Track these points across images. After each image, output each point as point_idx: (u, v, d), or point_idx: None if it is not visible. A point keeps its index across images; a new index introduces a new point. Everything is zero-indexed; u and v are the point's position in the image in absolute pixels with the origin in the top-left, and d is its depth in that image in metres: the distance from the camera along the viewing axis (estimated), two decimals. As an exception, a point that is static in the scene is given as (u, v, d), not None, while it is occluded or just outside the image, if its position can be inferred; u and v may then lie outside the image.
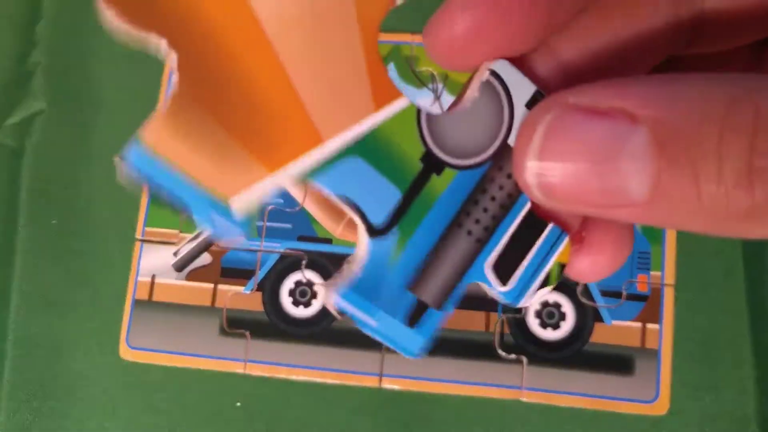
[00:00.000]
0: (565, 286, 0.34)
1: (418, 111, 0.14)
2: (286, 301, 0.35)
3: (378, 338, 0.15)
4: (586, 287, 0.34)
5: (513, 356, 0.33)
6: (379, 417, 0.34)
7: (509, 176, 0.15)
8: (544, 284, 0.15)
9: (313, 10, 0.13)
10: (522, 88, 0.14)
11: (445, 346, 0.33)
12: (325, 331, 0.34)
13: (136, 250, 0.36)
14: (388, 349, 0.34)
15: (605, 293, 0.34)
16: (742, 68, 0.14)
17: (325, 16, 0.13)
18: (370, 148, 0.14)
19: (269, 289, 0.35)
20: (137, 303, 0.36)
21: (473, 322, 0.34)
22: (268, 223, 0.36)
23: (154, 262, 0.36)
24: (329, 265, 0.35)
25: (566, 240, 0.15)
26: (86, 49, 0.40)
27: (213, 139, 0.13)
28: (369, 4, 0.13)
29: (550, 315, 0.34)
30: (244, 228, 0.13)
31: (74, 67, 0.40)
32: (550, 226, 0.15)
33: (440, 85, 0.36)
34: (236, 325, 0.35)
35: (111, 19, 0.13)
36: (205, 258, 0.36)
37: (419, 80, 0.37)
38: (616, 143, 0.10)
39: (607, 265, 0.14)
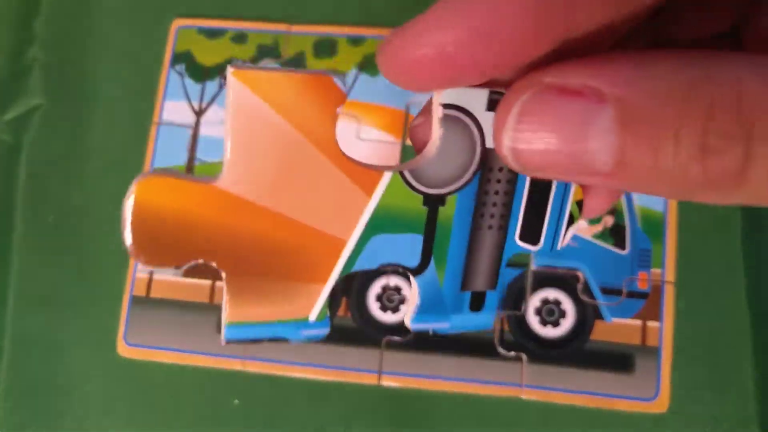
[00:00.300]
0: (565, 283, 0.34)
1: (401, 173, 0.17)
2: (284, 297, 0.35)
3: (459, 331, 0.19)
4: (586, 285, 0.34)
5: (513, 354, 0.33)
6: (378, 415, 0.34)
7: (501, 169, 0.17)
8: (570, 223, 0.18)
9: (280, 165, 0.16)
10: (476, 99, 0.16)
11: (444, 344, 0.33)
12: (324, 328, 0.34)
13: (133, 247, 0.36)
14: (387, 347, 0.34)
15: (605, 291, 0.34)
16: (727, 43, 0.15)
17: (287, 163, 0.16)
18: (381, 224, 0.17)
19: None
20: (135, 300, 0.35)
21: (473, 319, 0.34)
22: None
23: (152, 259, 0.36)
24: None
25: (573, 184, 0.17)
26: (84, 45, 0.40)
27: (274, 291, 0.16)
28: (314, 131, 0.16)
29: (550, 312, 0.34)
30: (326, 325, 0.17)
31: (72, 63, 0.40)
32: (554, 182, 0.17)
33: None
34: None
35: (146, 266, 0.16)
36: (203, 254, 0.36)
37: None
38: (585, 120, 0.12)
39: (607, 200, 0.17)
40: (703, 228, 0.34)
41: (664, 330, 0.33)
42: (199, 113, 0.38)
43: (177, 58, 0.38)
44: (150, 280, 0.36)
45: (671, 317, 0.33)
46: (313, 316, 0.17)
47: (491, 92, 0.16)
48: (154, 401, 0.35)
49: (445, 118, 0.16)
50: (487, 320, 0.19)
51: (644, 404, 0.32)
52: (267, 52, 0.38)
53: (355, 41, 0.37)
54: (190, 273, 0.36)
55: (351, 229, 0.17)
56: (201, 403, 0.35)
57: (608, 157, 0.11)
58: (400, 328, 0.34)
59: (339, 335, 0.34)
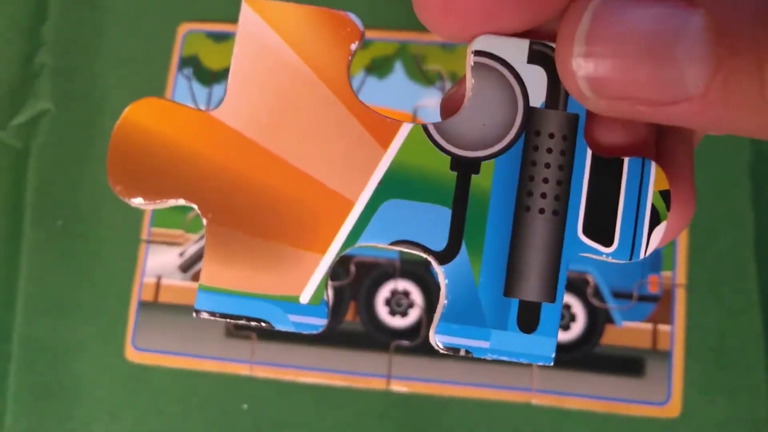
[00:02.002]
0: (575, 287, 0.34)
1: (424, 127, 0.14)
2: (292, 302, 0.35)
3: (504, 358, 0.14)
4: (596, 288, 0.34)
5: (522, 358, 0.33)
6: (386, 420, 0.34)
7: (552, 135, 0.14)
8: (655, 222, 0.14)
9: (285, 101, 0.14)
10: (515, 49, 0.13)
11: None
12: (332, 332, 0.34)
13: (141, 251, 0.36)
14: (396, 351, 0.33)
15: (616, 294, 0.33)
16: None
17: (294, 101, 0.14)
18: (398, 185, 0.14)
19: (276, 290, 0.35)
20: (143, 304, 0.36)
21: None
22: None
23: (160, 263, 0.36)
24: (336, 265, 0.35)
25: (654, 166, 0.14)
26: (92, 50, 0.40)
27: (261, 254, 0.14)
28: (326, 68, 0.14)
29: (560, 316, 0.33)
30: (322, 313, 0.14)
31: (80, 68, 0.40)
32: (627, 160, 0.14)
33: (448, 84, 0.36)
34: (242, 326, 0.35)
35: (122, 196, 0.14)
36: (211, 259, 0.36)
37: (427, 78, 0.36)
38: (671, 29, 0.10)
39: (671, 230, 0.14)
40: (714, 230, 0.34)
41: (675, 333, 0.33)
42: (206, 117, 0.38)
43: (184, 63, 0.38)
44: (158, 285, 0.36)
45: (682, 320, 0.33)
46: (305, 297, 0.14)
47: (532, 43, 0.13)
48: (162, 406, 0.35)
49: (479, 68, 0.14)
50: (544, 348, 0.14)
51: (656, 408, 0.32)
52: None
53: (363, 44, 0.38)
54: (198, 278, 0.36)
55: (361, 188, 0.14)
56: (209, 408, 0.35)
57: (700, 76, 0.09)
58: (408, 332, 0.34)
59: (347, 340, 0.34)
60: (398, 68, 0.37)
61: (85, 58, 0.40)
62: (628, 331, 0.33)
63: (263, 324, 0.14)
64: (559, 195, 0.14)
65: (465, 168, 0.14)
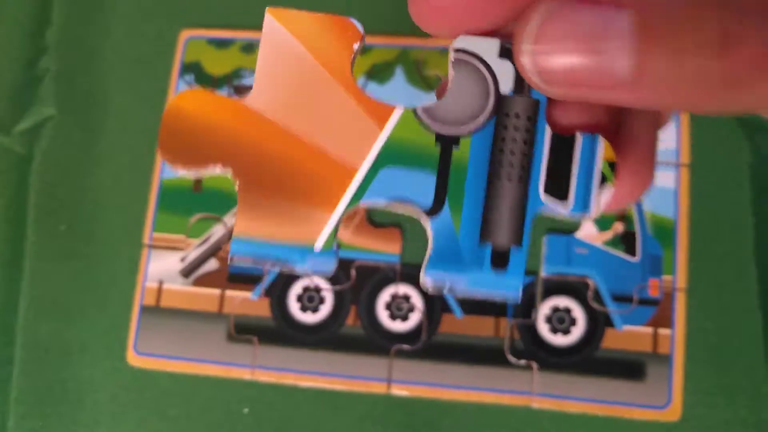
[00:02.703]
0: (576, 291, 0.34)
1: (414, 110, 0.17)
2: (293, 306, 0.35)
3: (480, 294, 0.17)
4: (597, 292, 0.34)
5: (523, 362, 0.33)
6: (387, 423, 0.34)
7: (518, 116, 0.17)
8: (603, 185, 0.17)
9: (301, 91, 0.17)
10: (488, 47, 0.17)
11: (454, 352, 0.33)
12: (333, 336, 0.34)
13: (143, 256, 0.36)
14: (397, 355, 0.34)
15: (616, 298, 0.34)
16: None
17: (307, 90, 0.17)
18: (393, 156, 0.17)
19: (277, 294, 0.35)
20: (145, 309, 0.36)
21: (483, 327, 0.33)
22: (276, 228, 0.36)
23: (162, 268, 0.36)
24: (337, 270, 0.35)
25: (602, 140, 0.17)
26: (95, 55, 0.40)
27: (282, 211, 0.17)
28: (333, 63, 0.17)
29: (560, 320, 0.33)
30: (332, 256, 0.17)
31: (83, 73, 0.40)
32: (579, 135, 0.17)
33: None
34: (244, 331, 0.35)
35: (172, 168, 0.17)
36: (213, 264, 0.36)
37: (426, 83, 0.37)
38: (603, 26, 0.12)
39: (633, 191, 0.16)
40: (714, 234, 0.34)
41: (675, 337, 0.33)
42: (208, 123, 0.38)
43: (186, 68, 0.39)
44: (160, 290, 0.36)
45: (683, 324, 0.33)
46: (319, 244, 0.17)
47: (503, 41, 0.16)
48: (163, 410, 0.35)
49: (458, 62, 0.17)
50: (512, 284, 0.17)
51: (657, 412, 0.32)
52: (275, 61, 0.38)
53: (363, 50, 0.38)
54: (199, 282, 0.36)
55: (362, 158, 0.17)
56: (211, 412, 0.35)
57: (628, 63, 0.12)
58: (409, 336, 0.34)
59: (348, 344, 0.34)
60: (399, 73, 0.37)
61: (88, 63, 0.40)
62: (628, 334, 0.33)
63: (284, 266, 0.17)
64: (524, 164, 0.17)
65: (447, 142, 0.17)
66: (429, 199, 0.17)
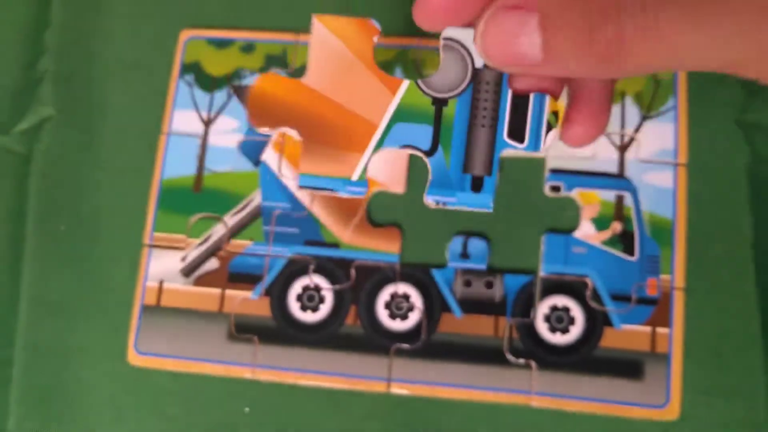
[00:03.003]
0: (574, 290, 0.34)
1: (415, 82, 0.25)
2: (293, 305, 0.35)
3: (464, 207, 0.26)
4: (595, 291, 0.34)
5: (522, 361, 0.33)
6: (387, 422, 0.34)
7: (488, 83, 0.24)
8: (549, 129, 0.25)
9: (335, 71, 0.25)
10: (466, 35, 0.23)
11: (453, 351, 0.33)
12: (333, 336, 0.34)
13: (144, 256, 0.37)
14: (397, 354, 0.34)
15: (614, 297, 0.34)
16: None
17: (342, 70, 0.25)
18: (402, 114, 0.25)
19: (277, 294, 0.35)
20: (145, 308, 0.36)
21: (482, 326, 0.34)
22: (275, 228, 0.36)
23: (162, 268, 0.36)
24: (337, 269, 0.35)
25: (547, 97, 0.24)
26: (94, 56, 0.40)
27: (329, 154, 0.25)
28: (359, 51, 0.26)
29: (559, 319, 0.34)
30: (363, 185, 0.25)
31: (82, 74, 0.40)
32: (531, 95, 0.24)
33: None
34: (244, 330, 0.35)
35: (255, 126, 0.26)
36: (213, 263, 0.36)
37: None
38: (521, 25, 0.18)
39: (588, 133, 0.23)
40: (712, 233, 0.34)
41: (673, 336, 0.33)
42: (207, 123, 0.38)
43: (186, 69, 0.39)
44: (160, 289, 0.36)
45: (681, 323, 0.33)
46: (355, 176, 0.25)
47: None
48: (164, 409, 0.35)
49: (446, 47, 0.24)
50: (485, 201, 0.26)
51: (655, 411, 0.32)
52: (275, 61, 0.38)
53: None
54: (200, 282, 0.36)
55: (381, 116, 0.25)
56: (211, 411, 0.35)
57: (537, 48, 0.17)
58: (409, 335, 0.34)
59: (348, 343, 0.34)
60: (398, 73, 0.37)
61: (87, 64, 0.40)
62: (626, 333, 0.33)
63: (332, 191, 0.25)
64: (494, 117, 0.25)
65: (439, 103, 0.25)
66: (428, 144, 0.25)
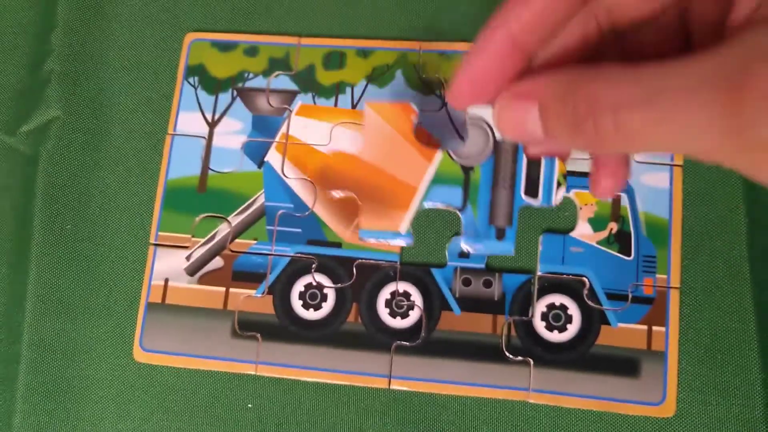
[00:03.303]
0: (571, 289, 0.34)
1: (447, 153, 0.31)
2: (296, 303, 0.35)
3: (489, 253, 0.32)
4: (592, 290, 0.34)
5: (520, 358, 0.33)
6: (387, 418, 0.34)
7: (506, 151, 0.30)
8: (559, 187, 0.31)
9: (383, 146, 0.32)
10: (488, 113, 0.25)
11: (453, 349, 0.34)
12: (335, 333, 0.35)
13: (149, 255, 0.37)
14: (397, 351, 0.34)
15: (611, 296, 0.34)
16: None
17: (388, 145, 0.32)
18: (437, 179, 0.31)
19: (280, 292, 0.36)
20: (150, 306, 0.36)
21: (481, 324, 0.34)
22: (279, 228, 0.36)
23: (167, 266, 0.36)
24: (338, 268, 0.35)
25: (557, 160, 0.31)
26: (100, 57, 0.41)
27: (381, 212, 0.31)
28: (401, 128, 0.32)
29: (556, 318, 0.34)
30: (409, 236, 0.32)
31: (88, 75, 0.40)
32: (543, 158, 0.31)
33: (446, 90, 0.37)
34: (247, 327, 0.35)
35: (328, 193, 0.33)
36: (217, 262, 0.36)
37: (426, 86, 0.37)
38: (525, 111, 0.21)
39: (614, 185, 0.24)
40: (707, 233, 0.35)
41: (669, 335, 0.33)
42: (212, 124, 0.38)
43: (191, 71, 0.39)
44: (165, 288, 0.36)
45: (677, 322, 0.33)
46: (402, 230, 0.32)
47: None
48: (168, 405, 0.36)
49: (471, 122, 0.30)
50: (508, 248, 0.32)
51: (651, 408, 0.33)
52: (278, 64, 0.39)
53: (364, 53, 0.38)
54: (204, 280, 0.36)
55: (421, 181, 0.31)
56: (215, 407, 0.35)
57: (539, 128, 0.21)
58: (409, 333, 0.34)
59: (349, 340, 0.34)
60: (399, 76, 0.37)
61: (92, 65, 0.40)
62: (623, 332, 0.33)
63: (386, 242, 0.32)
64: (512, 179, 0.30)
65: (467, 169, 0.31)
66: (459, 202, 0.31)
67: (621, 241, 0.34)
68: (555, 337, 0.34)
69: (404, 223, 0.31)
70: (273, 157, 0.37)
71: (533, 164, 0.31)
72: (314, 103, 0.37)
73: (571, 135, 0.20)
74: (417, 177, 0.31)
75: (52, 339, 0.37)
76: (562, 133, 0.20)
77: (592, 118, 0.19)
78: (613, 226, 0.34)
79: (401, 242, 0.31)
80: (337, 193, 0.31)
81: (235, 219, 0.37)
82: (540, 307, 0.34)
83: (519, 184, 0.30)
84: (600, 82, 0.19)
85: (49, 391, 0.36)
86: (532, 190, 0.30)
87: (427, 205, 0.31)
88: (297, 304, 0.35)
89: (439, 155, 0.32)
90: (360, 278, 0.35)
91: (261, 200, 0.37)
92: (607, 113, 0.18)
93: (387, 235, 0.31)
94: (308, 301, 0.35)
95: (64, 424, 0.36)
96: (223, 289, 0.36)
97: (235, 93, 0.38)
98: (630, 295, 0.34)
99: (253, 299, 0.35)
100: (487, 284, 0.34)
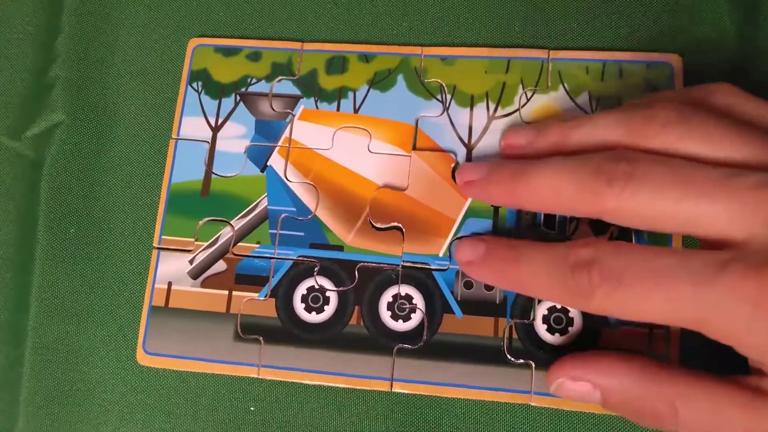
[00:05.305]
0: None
1: None
2: (299, 306, 0.35)
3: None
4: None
5: (521, 361, 0.33)
6: (389, 421, 0.35)
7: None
8: (572, 221, 0.35)
9: (428, 186, 0.36)
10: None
11: (454, 351, 0.34)
12: (337, 336, 0.35)
13: (152, 258, 0.37)
14: (399, 354, 0.34)
15: (612, 299, 0.34)
16: None
17: (431, 186, 0.36)
18: (471, 213, 0.35)
19: (282, 295, 0.36)
20: (154, 309, 0.36)
21: (482, 327, 0.34)
22: (281, 231, 0.36)
23: (171, 270, 0.37)
24: (341, 271, 0.36)
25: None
26: (104, 62, 0.41)
27: (424, 239, 0.36)
28: (442, 172, 0.36)
29: (557, 320, 0.34)
30: (447, 259, 0.35)
31: (93, 81, 0.41)
32: None
33: (448, 96, 0.37)
34: (250, 330, 0.35)
35: (377, 224, 0.36)
36: (220, 265, 0.36)
37: (428, 91, 0.37)
38: (588, 395, 0.28)
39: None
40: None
41: (671, 337, 0.33)
42: (215, 129, 0.38)
43: (194, 76, 0.39)
44: (169, 291, 0.36)
45: (678, 325, 0.34)
46: (441, 253, 0.35)
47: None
48: (171, 408, 0.36)
49: None
50: None
51: (652, 411, 0.33)
52: (281, 69, 0.39)
53: (366, 58, 0.38)
54: (207, 284, 0.36)
55: (458, 214, 0.35)
56: (218, 410, 0.35)
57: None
58: (411, 335, 0.34)
59: (352, 343, 0.35)
60: (400, 81, 0.38)
61: (97, 71, 0.41)
62: (624, 334, 0.33)
63: (426, 266, 0.35)
64: (534, 214, 0.34)
65: (496, 207, 0.35)
66: (489, 233, 0.35)
67: None
68: (556, 339, 0.34)
69: (443, 249, 0.35)
70: (276, 161, 0.37)
71: None
72: (317, 107, 0.38)
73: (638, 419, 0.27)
74: (454, 211, 0.35)
75: (55, 342, 0.37)
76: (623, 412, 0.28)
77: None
78: (614, 229, 0.34)
79: (438, 265, 0.35)
80: (384, 225, 0.35)
81: (238, 223, 0.37)
82: (541, 310, 0.34)
83: (539, 218, 0.34)
84: (665, 386, 0.26)
85: (52, 395, 0.37)
86: (550, 224, 0.34)
87: (463, 232, 0.35)
88: (299, 307, 0.35)
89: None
90: (362, 281, 0.35)
91: (264, 204, 0.37)
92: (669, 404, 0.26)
93: (428, 259, 0.35)
94: (311, 304, 0.35)
95: (67, 427, 0.36)
96: (226, 292, 0.36)
97: (238, 97, 0.39)
98: None
99: (255, 302, 0.36)
100: (489, 287, 0.34)
